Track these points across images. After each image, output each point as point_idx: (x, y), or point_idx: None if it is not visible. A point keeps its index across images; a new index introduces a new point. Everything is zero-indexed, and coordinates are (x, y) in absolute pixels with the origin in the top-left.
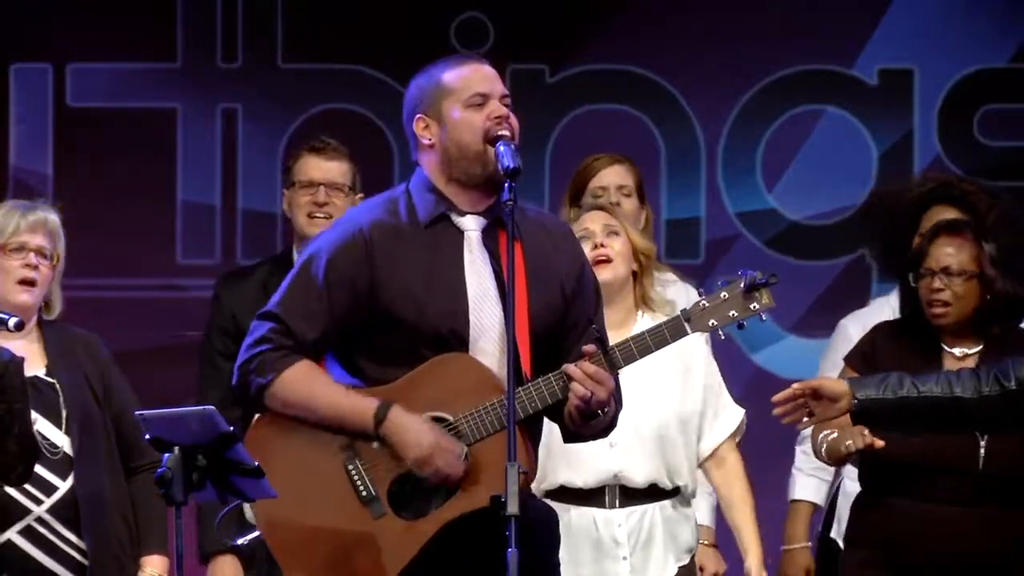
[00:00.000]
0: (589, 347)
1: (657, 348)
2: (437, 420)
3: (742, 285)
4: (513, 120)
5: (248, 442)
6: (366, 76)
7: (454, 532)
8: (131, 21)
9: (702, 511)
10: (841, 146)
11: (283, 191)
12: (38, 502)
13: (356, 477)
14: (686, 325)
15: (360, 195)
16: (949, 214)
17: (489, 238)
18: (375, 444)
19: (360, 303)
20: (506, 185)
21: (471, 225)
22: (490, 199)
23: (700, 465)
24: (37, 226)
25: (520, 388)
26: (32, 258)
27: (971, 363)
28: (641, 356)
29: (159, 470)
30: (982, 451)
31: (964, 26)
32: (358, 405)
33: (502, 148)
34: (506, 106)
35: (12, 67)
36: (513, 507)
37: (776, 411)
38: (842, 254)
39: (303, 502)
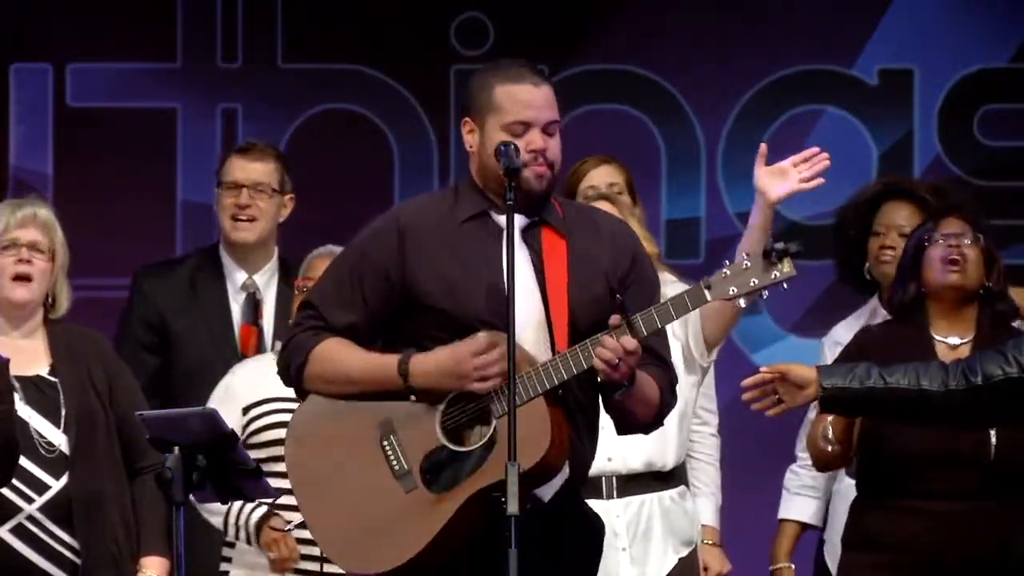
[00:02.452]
0: (614, 318)
1: (679, 316)
2: (463, 396)
3: (763, 253)
4: (551, 151)
5: (293, 424)
6: (366, 76)
7: (481, 533)
8: (131, 21)
9: (706, 511)
10: (841, 146)
11: (215, 190)
12: (30, 500)
13: (391, 453)
14: (706, 292)
15: (289, 196)
16: (902, 211)
17: (530, 235)
18: (412, 398)
19: (394, 293)
20: (507, 185)
21: (514, 223)
22: (531, 198)
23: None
24: (27, 221)
25: (547, 360)
26: (24, 253)
27: (965, 351)
28: (663, 324)
29: (158, 470)
30: (993, 441)
31: (964, 26)
32: (385, 364)
33: (502, 148)
34: (551, 133)
35: (12, 67)
36: (513, 507)
37: (745, 396)
38: None
39: (340, 480)
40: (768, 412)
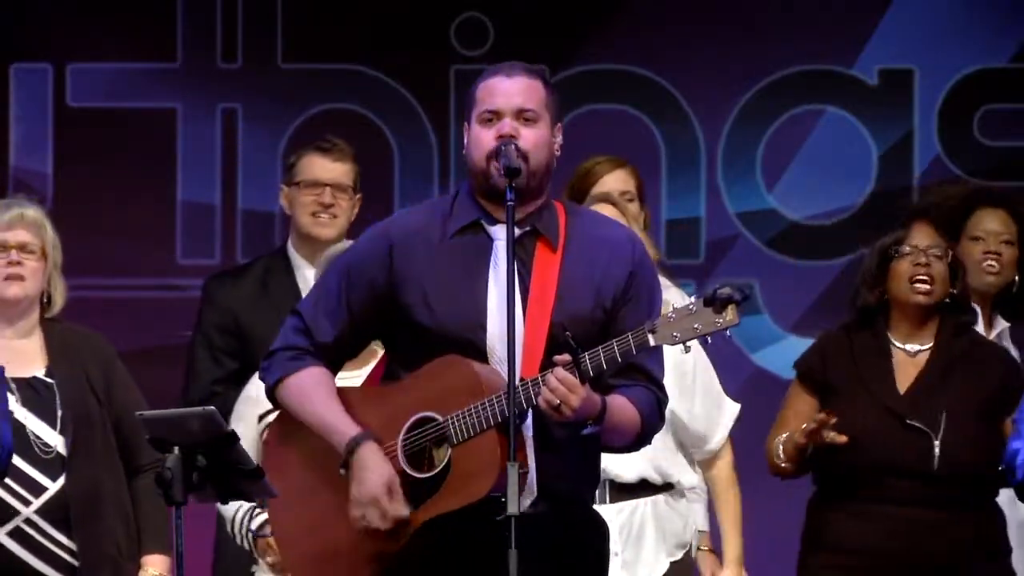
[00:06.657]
0: (562, 357)
1: (624, 358)
2: (426, 420)
3: (707, 300)
4: (524, 140)
5: (270, 434)
6: (366, 76)
7: (463, 536)
8: (131, 21)
9: (698, 515)
10: (841, 146)
11: (282, 186)
12: (26, 503)
13: None
14: (650, 337)
15: (359, 196)
16: (994, 217)
17: (522, 247)
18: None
19: (380, 305)
20: (507, 186)
21: (502, 235)
22: (525, 208)
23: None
24: (14, 222)
25: (499, 393)
26: (13, 255)
27: (922, 359)
28: (609, 366)
29: (158, 470)
30: (936, 451)
31: (964, 26)
32: (339, 429)
33: (502, 147)
34: (528, 119)
35: (12, 67)
36: (513, 507)
37: None
38: (842, 254)
39: (307, 495)
40: None
